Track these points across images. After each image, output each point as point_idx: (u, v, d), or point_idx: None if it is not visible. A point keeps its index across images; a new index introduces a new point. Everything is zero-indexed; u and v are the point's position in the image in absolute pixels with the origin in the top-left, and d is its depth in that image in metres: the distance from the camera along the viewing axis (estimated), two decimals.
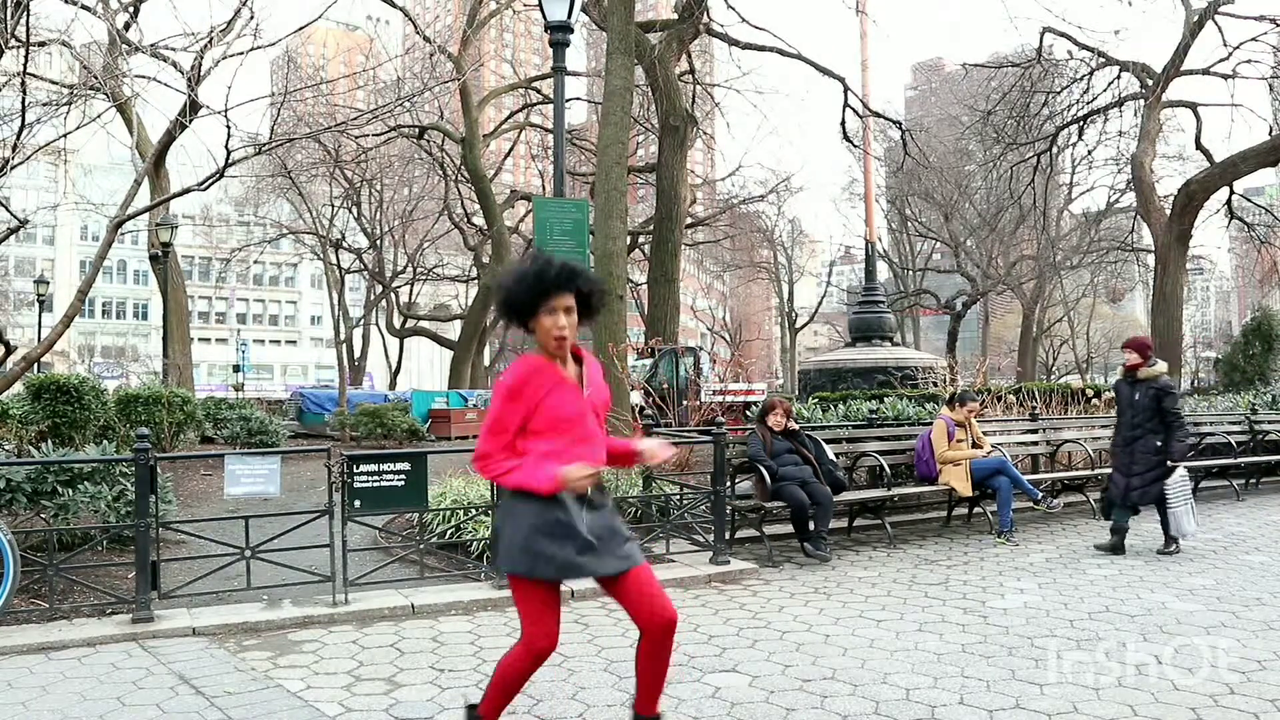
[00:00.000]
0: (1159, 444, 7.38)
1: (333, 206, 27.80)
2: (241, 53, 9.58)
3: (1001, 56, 27.69)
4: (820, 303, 53.89)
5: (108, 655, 4.86)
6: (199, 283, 58.81)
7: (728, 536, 7.18)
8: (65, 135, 11.53)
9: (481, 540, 6.67)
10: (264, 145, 10.80)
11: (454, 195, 30.77)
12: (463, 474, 8.17)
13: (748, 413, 10.72)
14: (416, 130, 25.36)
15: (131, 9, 17.05)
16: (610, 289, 9.74)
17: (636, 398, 11.90)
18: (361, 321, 36.51)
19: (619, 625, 5.32)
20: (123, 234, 12.00)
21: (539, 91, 27.53)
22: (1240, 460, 11.34)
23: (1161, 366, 7.59)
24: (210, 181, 8.86)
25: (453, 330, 38.90)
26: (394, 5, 22.87)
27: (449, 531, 6.97)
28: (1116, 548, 7.46)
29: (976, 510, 8.92)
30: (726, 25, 17.46)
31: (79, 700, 4.19)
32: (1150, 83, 20.59)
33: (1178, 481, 7.39)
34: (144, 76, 15.09)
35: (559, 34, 8.18)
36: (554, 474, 2.99)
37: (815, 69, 17.17)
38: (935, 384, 13.24)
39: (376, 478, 5.93)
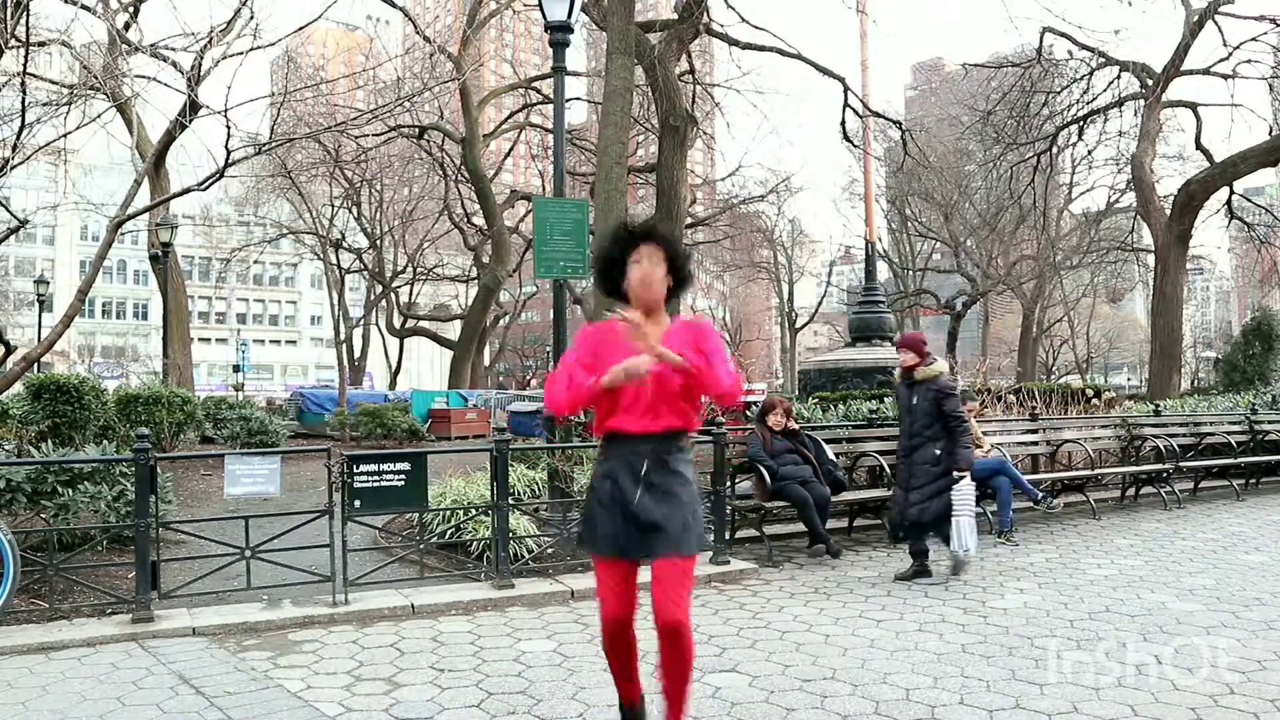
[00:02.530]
0: (938, 452, 6.53)
1: (333, 206, 27.82)
2: (241, 53, 9.58)
3: (1001, 56, 27.65)
4: (820, 303, 53.89)
5: (108, 655, 4.86)
6: (199, 283, 58.80)
7: (728, 536, 7.18)
8: (65, 135, 11.54)
9: (481, 540, 6.67)
10: (264, 145, 10.80)
11: (454, 195, 30.77)
12: (463, 474, 8.18)
13: (747, 413, 10.71)
14: (416, 130, 25.35)
15: (131, 9, 17.07)
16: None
17: None
18: (361, 321, 36.52)
19: None
20: (123, 234, 12.00)
21: (539, 91, 27.51)
22: (1240, 460, 11.35)
23: (941, 365, 6.76)
24: (210, 181, 8.86)
25: (453, 330, 38.89)
26: (394, 5, 22.86)
27: (449, 531, 6.98)
28: (920, 572, 6.61)
29: (976, 510, 8.92)
30: (726, 25, 17.44)
31: (79, 700, 4.19)
32: (1150, 83, 20.58)
33: (964, 492, 6.52)
34: (144, 76, 15.13)
35: (559, 34, 8.18)
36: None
37: (815, 69, 17.15)
38: None
39: (376, 478, 5.93)
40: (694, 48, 18.11)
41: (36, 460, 6.82)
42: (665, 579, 3.10)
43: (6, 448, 8.98)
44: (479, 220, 30.37)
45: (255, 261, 47.61)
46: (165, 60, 14.52)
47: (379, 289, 34.42)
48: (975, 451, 8.29)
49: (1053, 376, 46.12)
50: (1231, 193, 21.51)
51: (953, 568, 6.69)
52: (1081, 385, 15.02)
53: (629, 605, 3.25)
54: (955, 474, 6.47)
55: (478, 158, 25.04)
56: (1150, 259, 24.77)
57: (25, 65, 8.59)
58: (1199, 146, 22.02)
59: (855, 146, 21.35)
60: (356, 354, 37.59)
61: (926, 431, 6.58)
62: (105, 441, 9.70)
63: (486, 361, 39.82)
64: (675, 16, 15.47)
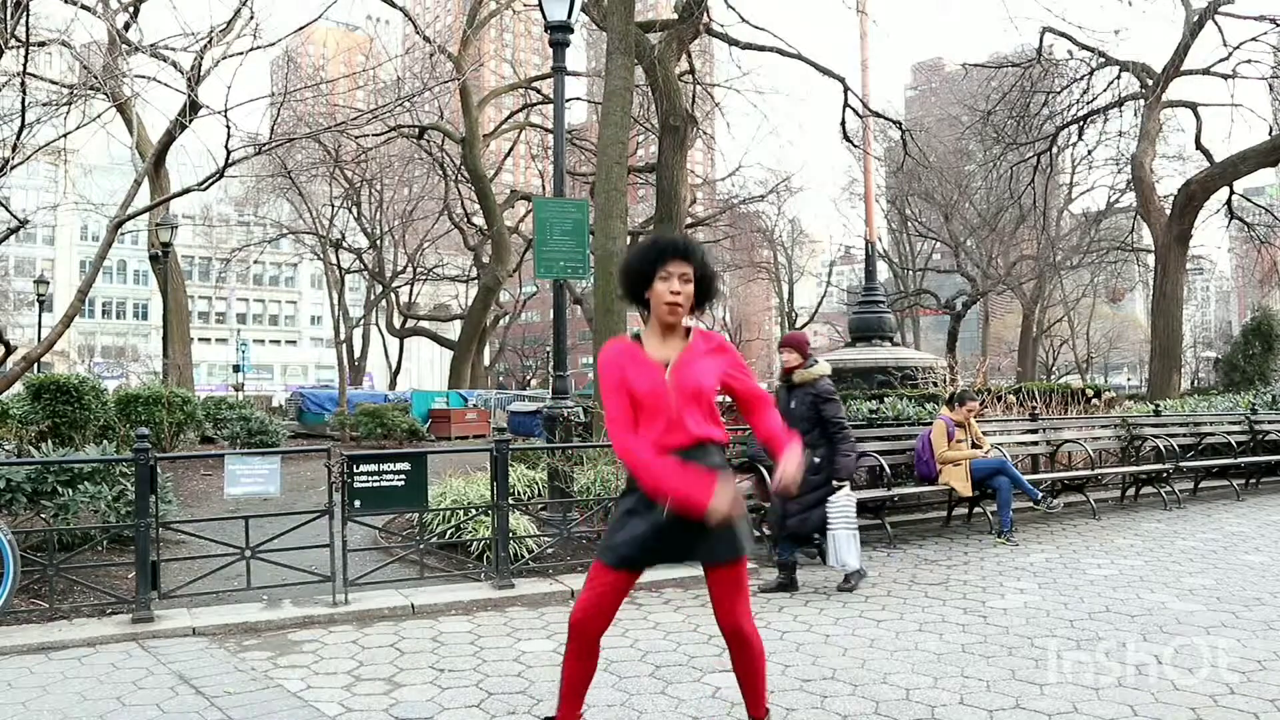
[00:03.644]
0: (817, 460, 6.18)
1: (333, 206, 27.81)
2: (241, 53, 9.60)
3: (1001, 56, 27.67)
4: (820, 303, 53.87)
5: (108, 655, 4.86)
6: (199, 283, 58.81)
7: None
8: (65, 135, 11.55)
9: (481, 540, 6.67)
10: (264, 145, 10.80)
11: (454, 195, 30.77)
12: (463, 474, 8.18)
13: None
14: (416, 130, 25.35)
15: (131, 9, 17.08)
16: (612, 290, 9.74)
17: None
18: (361, 321, 36.52)
19: (619, 625, 5.32)
20: (123, 234, 12.00)
21: (539, 91, 27.51)
22: (1240, 460, 11.35)
23: (823, 367, 6.39)
24: (210, 181, 8.87)
25: (453, 330, 38.90)
26: (394, 5, 22.86)
27: (449, 531, 6.98)
28: (786, 585, 6.33)
29: (976, 510, 8.92)
30: (726, 25, 17.43)
31: (79, 700, 4.19)
32: (1150, 83, 20.59)
33: (841, 502, 6.25)
34: (144, 76, 15.11)
35: (559, 34, 8.18)
36: (693, 494, 2.96)
37: (815, 69, 17.15)
38: (935, 384, 13.23)
39: (376, 478, 5.94)
40: (694, 48, 18.10)
41: (36, 460, 6.83)
42: (738, 583, 3.16)
43: (6, 448, 8.98)
44: (479, 220, 30.38)
45: (255, 261, 47.64)
46: (165, 60, 14.53)
47: (379, 289, 34.42)
48: (976, 451, 8.33)
49: (1053, 376, 46.10)
50: (1231, 193, 21.51)
51: (844, 579, 6.40)
52: (1081, 385, 15.02)
53: (613, 616, 3.22)
54: (834, 483, 6.21)
55: (478, 158, 25.04)
56: (1150, 259, 24.77)
57: (25, 65, 8.60)
58: (1199, 146, 22.01)
59: (855, 146, 21.35)
60: (356, 354, 37.61)
61: (805, 438, 6.09)
62: (105, 441, 9.71)
63: (486, 361, 39.81)
64: (675, 16, 15.46)
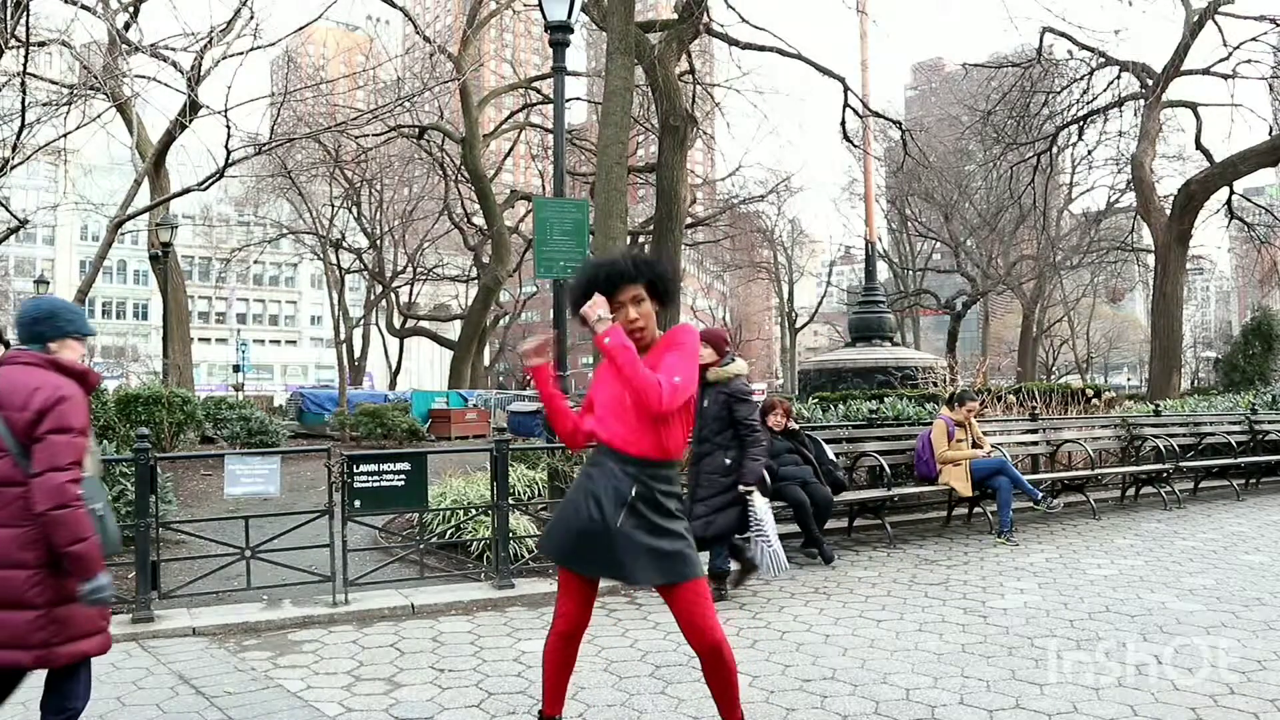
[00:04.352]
0: (727, 462, 5.90)
1: (333, 206, 27.81)
2: (241, 53, 9.65)
3: (1001, 56, 27.65)
4: (820, 303, 53.91)
5: (108, 655, 4.84)
6: (199, 283, 58.78)
7: None
8: (65, 135, 11.57)
9: (481, 540, 6.67)
10: (264, 145, 10.83)
11: (454, 195, 30.77)
12: (462, 474, 8.18)
13: None
14: (416, 130, 25.35)
15: (131, 9, 17.06)
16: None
17: None
18: (361, 321, 36.52)
19: (619, 625, 5.33)
20: (123, 234, 12.03)
21: (539, 91, 27.52)
22: (1240, 460, 11.35)
23: (738, 366, 6.08)
24: (210, 181, 8.89)
25: (453, 330, 38.91)
26: (394, 5, 22.85)
27: (449, 531, 6.98)
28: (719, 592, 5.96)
29: (976, 510, 8.92)
30: (726, 25, 17.44)
31: None
32: (1150, 83, 20.59)
33: (760, 515, 5.86)
34: (144, 76, 15.14)
35: (559, 34, 8.18)
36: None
37: (815, 69, 17.15)
38: (935, 384, 13.24)
39: (376, 478, 5.94)
40: (694, 48, 18.11)
41: None
42: (689, 604, 3.04)
43: None
44: (479, 220, 30.38)
45: (255, 261, 47.59)
46: (165, 60, 14.53)
47: (379, 289, 34.42)
48: (977, 451, 8.32)
49: (1053, 376, 46.11)
50: (1231, 193, 21.51)
51: (738, 576, 6.22)
52: (1081, 385, 15.02)
53: (584, 618, 3.24)
54: (741, 488, 5.85)
55: (478, 158, 25.04)
56: (1150, 259, 24.77)
57: (25, 65, 8.61)
58: (1199, 146, 22.01)
59: (855, 146, 21.35)
60: (356, 354, 37.59)
61: (716, 438, 5.96)
62: (105, 441, 9.70)
63: (486, 361, 39.82)
64: (675, 16, 15.47)
